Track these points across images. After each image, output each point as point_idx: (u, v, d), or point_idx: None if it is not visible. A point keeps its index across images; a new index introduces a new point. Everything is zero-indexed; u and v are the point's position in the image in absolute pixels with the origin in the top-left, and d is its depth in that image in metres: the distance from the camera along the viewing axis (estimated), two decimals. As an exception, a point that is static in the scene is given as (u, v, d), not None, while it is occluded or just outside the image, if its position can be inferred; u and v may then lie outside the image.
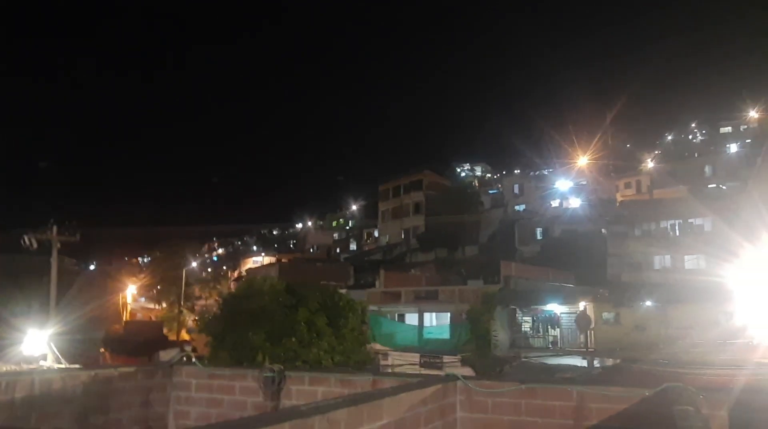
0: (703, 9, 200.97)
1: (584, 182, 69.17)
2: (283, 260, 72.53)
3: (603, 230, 51.13)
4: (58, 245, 22.41)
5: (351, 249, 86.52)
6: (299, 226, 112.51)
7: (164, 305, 61.93)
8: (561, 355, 31.10)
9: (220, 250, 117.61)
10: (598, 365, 27.42)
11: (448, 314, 35.85)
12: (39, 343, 18.85)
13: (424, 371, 26.03)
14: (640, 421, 4.81)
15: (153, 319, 58.77)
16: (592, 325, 33.33)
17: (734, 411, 4.43)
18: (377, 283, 44.12)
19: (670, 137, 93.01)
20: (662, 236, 46.48)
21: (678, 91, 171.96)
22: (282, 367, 6.36)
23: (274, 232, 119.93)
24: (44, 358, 18.42)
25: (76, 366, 8.00)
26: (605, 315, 34.91)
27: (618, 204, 60.30)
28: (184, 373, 6.93)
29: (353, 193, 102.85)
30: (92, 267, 72.55)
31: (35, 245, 22.35)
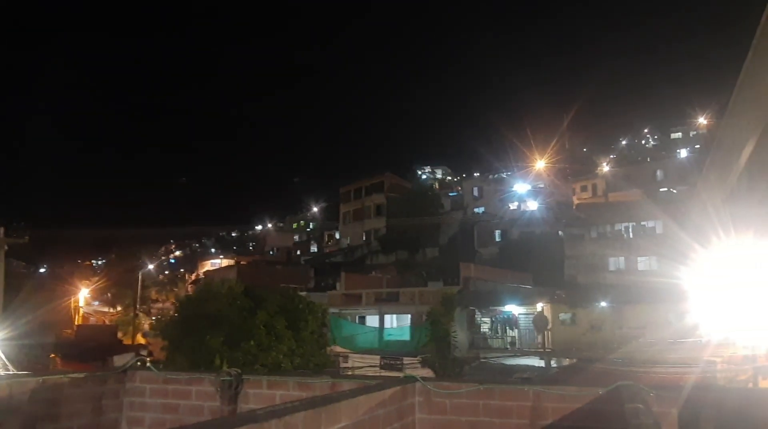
0: (655, 19, 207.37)
1: (542, 185, 70.40)
2: (242, 262, 71.62)
3: (560, 232, 52.16)
4: (6, 247, 21.65)
5: (312, 251, 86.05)
6: (259, 227, 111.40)
7: (119, 309, 60.42)
8: (519, 356, 31.57)
9: (178, 253, 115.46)
10: (554, 365, 27.94)
11: (409, 316, 36.00)
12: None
13: (384, 373, 26.05)
14: (593, 420, 4.91)
15: (107, 323, 57.20)
16: (549, 326, 33.93)
17: (684, 408, 4.56)
18: (338, 285, 43.99)
19: (624, 142, 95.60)
20: (617, 238, 47.70)
21: (632, 97, 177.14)
22: (240, 371, 6.27)
23: (233, 234, 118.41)
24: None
25: (25, 372, 7.72)
26: (562, 316, 35.60)
27: (575, 207, 61.67)
28: (138, 378, 6.76)
29: (314, 195, 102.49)
30: (43, 270, 70.25)
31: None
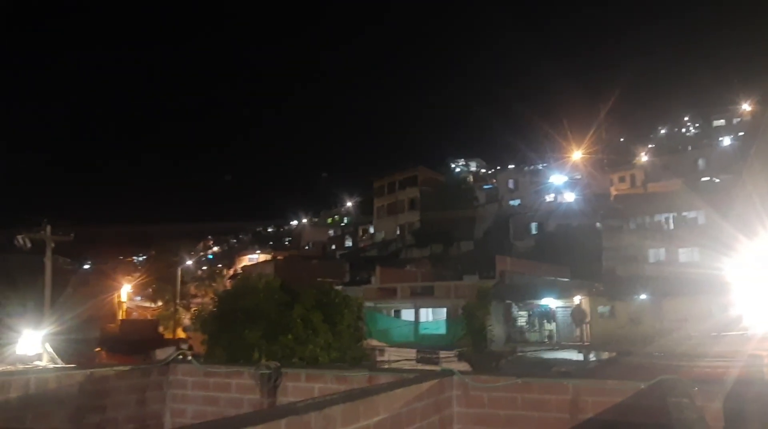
0: (696, 3, 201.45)
1: (578, 176, 69.33)
2: (278, 258, 72.44)
3: (597, 224, 51.30)
4: (52, 245, 22.32)
5: (346, 246, 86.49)
6: (294, 223, 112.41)
7: (160, 304, 61.76)
8: (557, 349, 31.25)
9: (216, 248, 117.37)
10: (593, 359, 27.55)
11: (444, 310, 35.95)
12: (34, 343, 18.79)
13: (420, 367, 26.07)
14: (635, 414, 4.83)
15: (149, 317, 58.60)
16: (588, 319, 33.48)
17: (728, 402, 4.46)
18: (373, 279, 44.16)
19: (663, 131, 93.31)
20: (656, 229, 46.66)
21: (670, 84, 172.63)
22: (278, 364, 6.36)
23: (270, 230, 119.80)
24: (39, 358, 18.38)
25: (72, 365, 7.98)
26: (600, 309, 35.06)
27: (612, 198, 60.50)
28: (180, 371, 6.92)
29: (348, 190, 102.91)
30: (87, 266, 72.31)
31: (29, 245, 22.27)
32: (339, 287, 27.35)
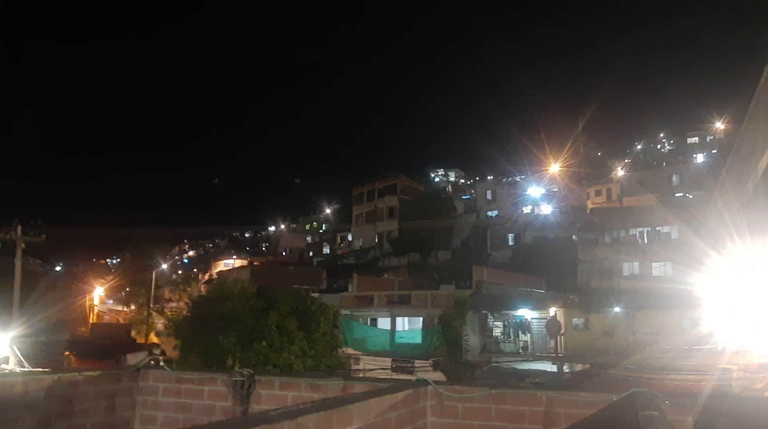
0: (672, 20, 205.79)
1: (556, 189, 70.06)
2: (255, 263, 71.92)
3: (573, 237, 51.86)
4: (23, 245, 21.88)
5: (324, 252, 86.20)
6: (272, 228, 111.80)
7: (133, 307, 60.84)
8: (531, 360, 31.43)
9: (191, 253, 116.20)
10: (567, 370, 27.75)
11: (421, 319, 35.94)
12: (0, 346, 18.34)
13: (395, 376, 26.02)
14: (607, 427, 4.87)
15: (121, 321, 57.67)
16: (562, 331, 33.72)
17: (699, 416, 4.51)
18: (350, 287, 44.02)
19: (639, 146, 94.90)
20: (631, 243, 47.32)
21: (647, 101, 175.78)
22: (252, 372, 6.29)
23: (246, 235, 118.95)
24: (5, 361, 17.93)
25: (39, 369, 7.80)
26: (575, 321, 35.37)
27: (588, 211, 61.29)
28: (151, 377, 6.81)
29: (327, 196, 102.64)
30: (58, 268, 70.99)
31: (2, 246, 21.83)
32: (315, 294, 27.24)
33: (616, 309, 34.42)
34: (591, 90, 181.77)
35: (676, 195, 62.89)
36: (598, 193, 70.66)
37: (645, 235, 47.92)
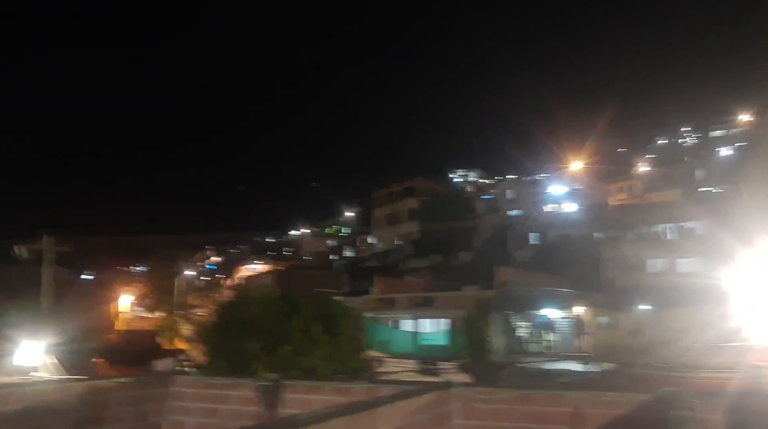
0: (693, 15, 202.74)
1: (578, 187, 69.44)
2: (278, 268, 72.36)
3: (596, 234, 51.31)
4: (51, 255, 22.30)
5: (346, 255, 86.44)
6: (294, 233, 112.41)
7: (159, 314, 61.60)
8: (557, 360, 31.13)
9: (216, 258, 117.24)
10: (594, 370, 27.44)
11: (444, 320, 35.86)
12: (32, 354, 18.72)
13: (420, 378, 25.97)
14: (636, 426, 4.82)
15: (148, 328, 58.45)
16: (588, 330, 33.40)
17: (730, 414, 4.45)
18: (372, 290, 44.09)
19: (662, 141, 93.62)
20: (656, 240, 46.69)
21: (669, 94, 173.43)
22: (278, 376, 6.35)
23: (269, 240, 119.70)
24: (36, 369, 18.30)
25: (71, 377, 7.96)
26: (601, 319, 34.99)
27: (611, 208, 60.59)
28: (179, 382, 6.90)
29: (347, 200, 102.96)
30: (85, 276, 72.13)
31: (26, 255, 22.27)
32: (338, 297, 27.30)
33: (643, 306, 33.99)
34: (612, 86, 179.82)
35: (701, 190, 61.88)
36: (620, 189, 69.85)
37: (670, 231, 47.24)
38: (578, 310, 34.93)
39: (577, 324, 33.34)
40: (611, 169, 73.12)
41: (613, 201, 65.98)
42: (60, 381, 7.08)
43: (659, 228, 47.73)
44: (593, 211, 59.14)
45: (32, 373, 17.56)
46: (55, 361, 16.62)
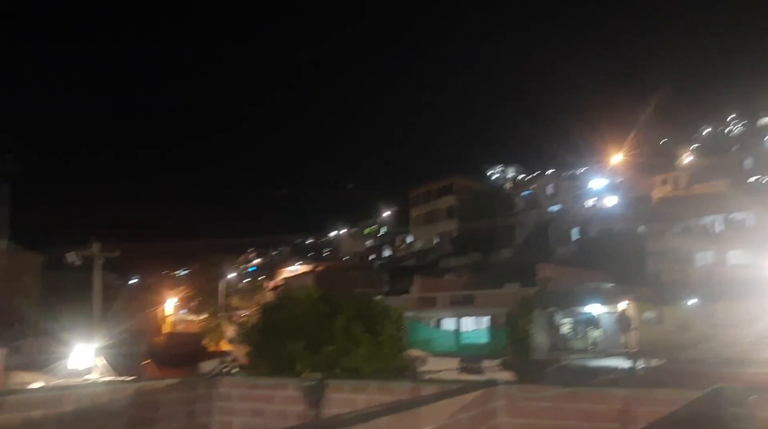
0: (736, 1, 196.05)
1: (619, 180, 68.01)
2: (318, 269, 73.05)
3: (641, 228, 50.17)
4: (101, 261, 23.01)
5: (384, 255, 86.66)
6: (332, 234, 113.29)
7: (204, 316, 62.93)
8: (602, 357, 30.57)
9: (257, 261, 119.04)
10: (642, 366, 26.85)
11: (486, 318, 35.64)
12: (85, 357, 19.37)
13: (463, 377, 25.84)
14: (690, 425, 4.69)
15: (193, 330, 59.79)
16: (634, 325, 32.69)
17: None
18: (412, 289, 44.09)
19: (706, 131, 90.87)
20: (703, 232, 45.38)
21: (713, 82, 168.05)
22: (322, 376, 6.41)
23: (308, 242, 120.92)
24: (91, 371, 18.94)
25: (123, 378, 8.20)
26: (647, 314, 34.21)
27: (655, 201, 59.15)
28: (226, 383, 7.03)
29: (384, 199, 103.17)
30: (133, 281, 74.19)
31: (78, 262, 23.02)
32: (378, 297, 27.40)
33: (691, 301, 33.09)
34: (653, 75, 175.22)
35: (750, 180, 59.85)
36: (664, 181, 68.05)
37: (718, 223, 45.85)
38: (623, 305, 34.20)
39: (622, 320, 32.63)
40: (654, 161, 71.32)
41: (657, 194, 64.35)
42: (112, 383, 7.29)
43: (707, 220, 46.37)
44: (636, 204, 57.87)
45: (86, 376, 18.17)
46: (105, 363, 17.15)
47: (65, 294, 29.91)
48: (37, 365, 23.38)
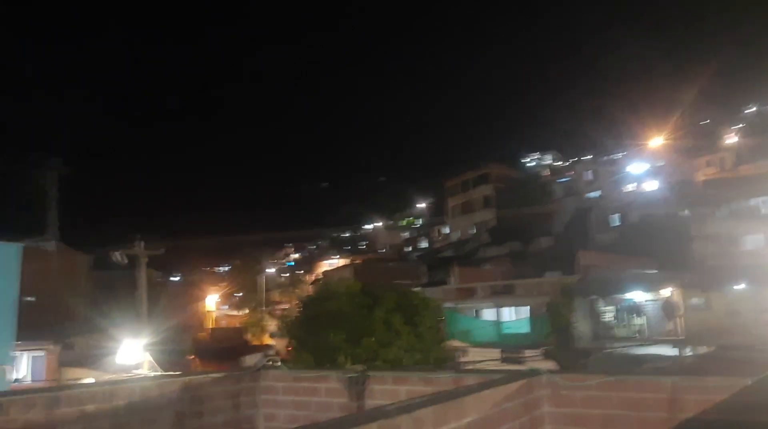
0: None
1: (661, 163, 66.30)
2: (356, 262, 73.47)
3: (684, 212, 48.84)
4: (144, 259, 23.58)
5: (422, 247, 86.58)
6: (369, 226, 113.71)
7: (246, 311, 64.04)
8: (647, 345, 29.96)
9: (296, 255, 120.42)
10: (689, 353, 26.23)
11: (527, 308, 35.27)
12: (134, 353, 19.93)
13: (505, 367, 25.69)
14: (741, 412, 4.56)
15: (234, 325, 60.95)
16: (680, 312, 31.94)
17: None
18: (451, 279, 43.94)
19: (752, 109, 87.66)
20: (752, 214, 43.92)
21: (757, 58, 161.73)
22: (364, 368, 6.45)
23: (345, 235, 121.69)
24: (139, 366, 19.49)
25: (170, 372, 8.41)
26: (693, 300, 33.33)
27: (699, 184, 57.47)
28: (270, 376, 7.14)
29: (417, 191, 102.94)
30: (176, 278, 75.94)
31: (123, 260, 23.66)
32: (417, 289, 27.42)
33: (740, 285, 32.08)
34: (694, 52, 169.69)
35: (801, 158, 57.57)
36: (709, 163, 65.99)
37: (766, 204, 44.32)
38: (667, 291, 33.40)
39: (667, 306, 31.89)
40: (697, 143, 69.21)
41: (701, 176, 62.47)
42: (160, 377, 7.49)
43: (755, 202, 44.86)
44: (679, 188, 56.31)
45: (135, 371, 18.71)
46: (152, 359, 17.62)
47: (112, 292, 30.81)
48: (88, 361, 24.20)
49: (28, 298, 19.65)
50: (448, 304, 33.50)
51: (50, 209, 38.93)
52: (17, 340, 14.85)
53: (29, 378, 23.67)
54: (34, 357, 24.34)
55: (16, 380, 20.03)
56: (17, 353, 19.45)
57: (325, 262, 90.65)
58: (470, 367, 24.99)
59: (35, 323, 22.02)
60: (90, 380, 17.72)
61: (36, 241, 32.23)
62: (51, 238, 35.95)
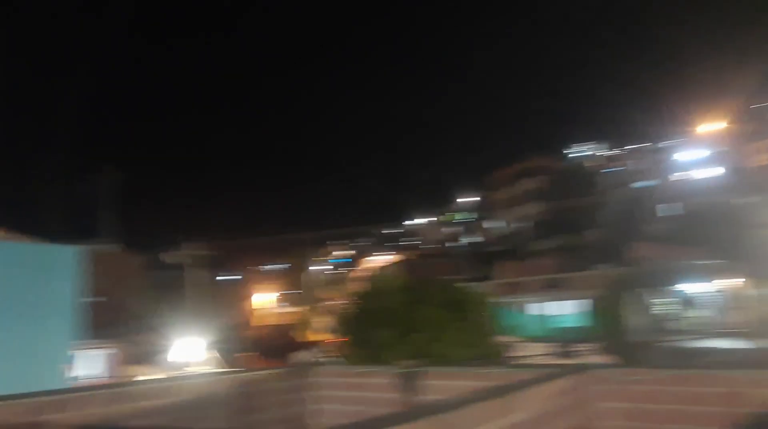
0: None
1: (714, 150, 64.02)
2: (401, 257, 73.59)
3: (740, 200, 47.07)
4: (191, 259, 24.22)
5: (466, 241, 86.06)
6: (412, 222, 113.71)
7: (292, 309, 64.95)
8: (704, 338, 29.05)
9: (340, 252, 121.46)
10: (751, 347, 25.29)
11: (575, 302, 34.70)
12: (191, 350, 20.52)
13: (555, 361, 25.32)
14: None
15: (283, 322, 61.88)
16: (739, 303, 30.87)
17: None
18: (496, 274, 43.58)
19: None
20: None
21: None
22: (415, 363, 6.45)
23: (391, 231, 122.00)
24: (188, 364, 20.04)
25: (221, 369, 8.60)
26: (753, 291, 32.16)
27: (755, 170, 55.27)
28: (319, 372, 7.22)
29: (464, 186, 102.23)
30: (225, 277, 77.52)
31: (173, 261, 24.38)
32: (462, 284, 27.26)
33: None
34: (739, 33, 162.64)
35: None
36: (758, 150, 63.30)
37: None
38: (724, 282, 32.31)
39: (724, 298, 30.85)
40: (752, 128, 66.48)
41: (759, 162, 60.00)
42: (211, 374, 7.68)
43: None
44: (734, 174, 54.29)
45: (185, 368, 19.24)
46: (219, 355, 18.12)
47: (166, 291, 31.78)
48: (145, 359, 25.03)
49: (100, 299, 20.39)
50: (494, 299, 33.22)
51: (109, 213, 40.40)
52: (84, 339, 15.42)
53: (94, 375, 24.64)
54: (98, 355, 25.31)
55: (77, 378, 20.88)
56: (82, 352, 20.25)
57: (371, 258, 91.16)
58: (521, 362, 24.74)
59: (104, 323, 22.85)
60: (145, 377, 18.30)
61: (101, 243, 33.48)
62: (114, 241, 37.33)
